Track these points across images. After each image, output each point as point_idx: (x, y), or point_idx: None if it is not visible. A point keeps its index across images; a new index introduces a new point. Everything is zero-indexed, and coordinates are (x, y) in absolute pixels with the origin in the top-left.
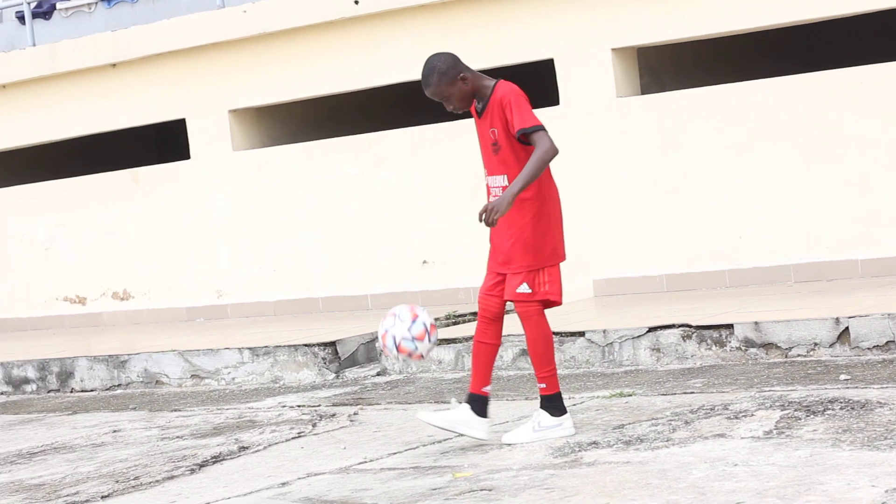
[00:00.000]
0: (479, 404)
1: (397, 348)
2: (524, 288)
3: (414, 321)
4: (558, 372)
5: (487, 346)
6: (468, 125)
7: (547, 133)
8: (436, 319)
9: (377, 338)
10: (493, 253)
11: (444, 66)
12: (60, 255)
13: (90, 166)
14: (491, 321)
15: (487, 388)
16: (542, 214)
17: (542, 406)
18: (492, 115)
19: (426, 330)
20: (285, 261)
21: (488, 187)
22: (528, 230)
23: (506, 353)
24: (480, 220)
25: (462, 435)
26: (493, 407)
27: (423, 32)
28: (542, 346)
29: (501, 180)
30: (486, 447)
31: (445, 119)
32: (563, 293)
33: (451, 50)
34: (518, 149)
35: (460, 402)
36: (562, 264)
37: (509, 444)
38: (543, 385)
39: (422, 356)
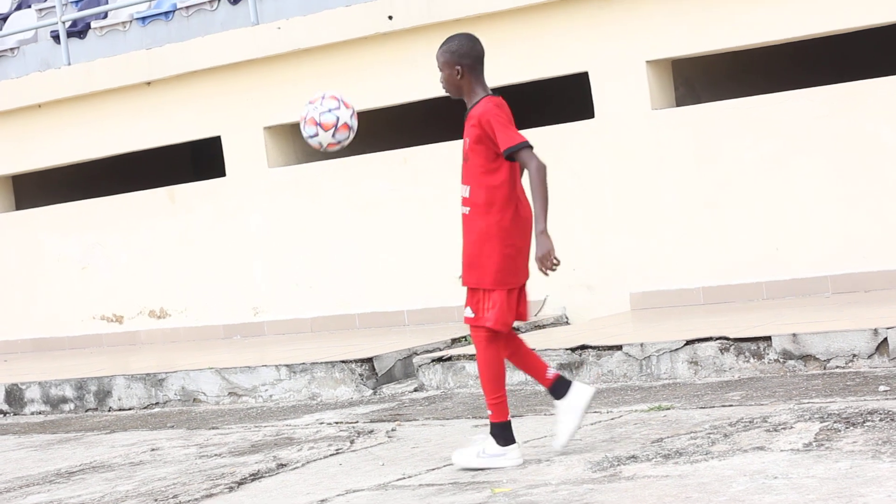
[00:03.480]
0: (560, 388)
1: (305, 119)
2: (468, 311)
3: (332, 110)
4: (598, 386)
5: (513, 356)
6: None
7: (532, 149)
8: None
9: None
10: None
11: (455, 47)
12: (97, 273)
13: (126, 184)
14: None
15: (550, 372)
16: (489, 236)
17: (491, 433)
18: (469, 126)
19: (335, 124)
20: (321, 277)
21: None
22: (475, 248)
23: None
24: (543, 270)
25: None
26: (529, 422)
27: None
28: (486, 372)
29: (465, 191)
30: (525, 462)
31: None
32: (508, 324)
33: (488, 66)
34: (483, 165)
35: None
36: (597, 276)
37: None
38: (490, 412)
39: (320, 145)
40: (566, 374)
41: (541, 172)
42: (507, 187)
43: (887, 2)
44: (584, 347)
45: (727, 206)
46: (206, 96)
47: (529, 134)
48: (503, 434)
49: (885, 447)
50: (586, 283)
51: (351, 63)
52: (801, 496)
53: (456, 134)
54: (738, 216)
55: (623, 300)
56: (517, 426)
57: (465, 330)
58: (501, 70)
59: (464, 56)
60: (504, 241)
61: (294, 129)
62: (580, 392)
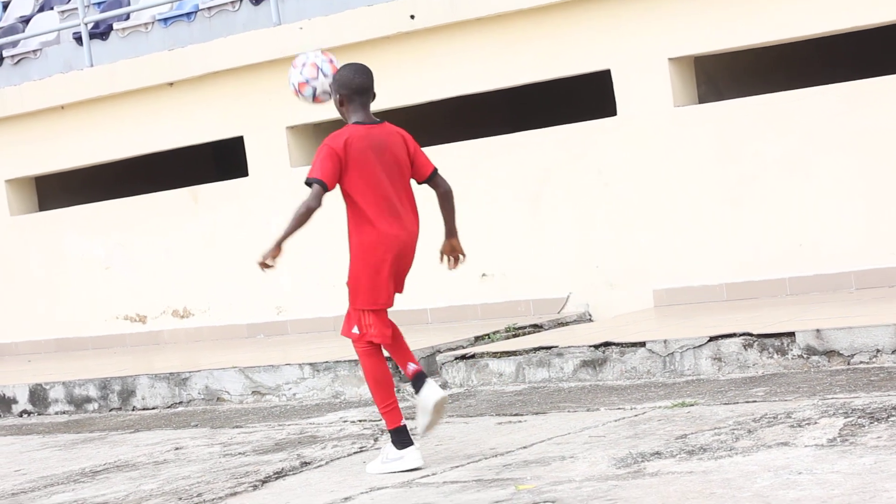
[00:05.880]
0: (417, 383)
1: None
2: (356, 329)
3: (301, 71)
4: (619, 383)
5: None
6: (525, 138)
7: (314, 186)
8: (495, 332)
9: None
10: None
11: (338, 77)
12: (120, 274)
13: (149, 185)
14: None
15: (411, 367)
16: (355, 259)
17: (391, 439)
18: None
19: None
20: (344, 276)
21: None
22: (350, 272)
23: (566, 365)
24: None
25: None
26: (552, 419)
27: (479, 46)
28: (372, 383)
29: None
30: (549, 459)
31: (504, 131)
32: (385, 336)
33: (507, 62)
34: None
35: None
36: (621, 273)
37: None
38: (384, 420)
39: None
40: (585, 372)
41: (302, 206)
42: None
43: None
44: (607, 344)
45: (750, 203)
46: (228, 96)
47: (552, 132)
48: (400, 438)
49: None
50: (609, 281)
51: (373, 62)
52: (825, 491)
53: (477, 132)
54: (761, 212)
55: (646, 297)
56: (541, 423)
57: (488, 327)
58: (523, 68)
59: (342, 86)
60: (369, 264)
61: (317, 128)
62: (429, 393)
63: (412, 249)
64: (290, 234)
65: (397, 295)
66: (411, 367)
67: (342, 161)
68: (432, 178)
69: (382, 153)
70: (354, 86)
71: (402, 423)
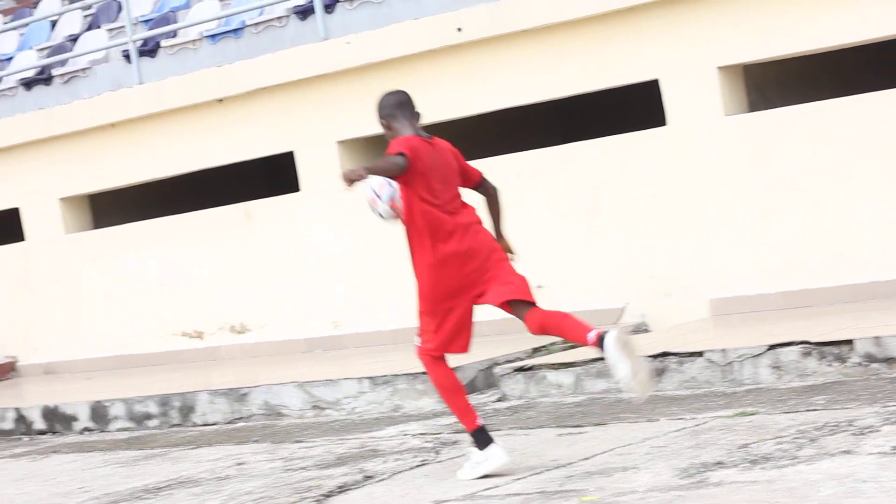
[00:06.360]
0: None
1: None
2: (416, 340)
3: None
4: (679, 393)
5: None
6: (577, 149)
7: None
8: (552, 344)
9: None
10: None
11: (377, 106)
12: (175, 290)
13: (202, 200)
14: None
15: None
16: (415, 265)
17: (473, 442)
18: None
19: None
20: (401, 289)
21: None
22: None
23: None
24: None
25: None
26: (613, 429)
27: (526, 57)
28: (441, 391)
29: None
30: (611, 470)
31: (553, 143)
32: (444, 346)
33: (554, 73)
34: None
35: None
36: (676, 283)
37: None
38: (462, 425)
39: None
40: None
41: (392, 159)
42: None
43: None
44: (665, 354)
45: (804, 210)
46: (277, 112)
47: (602, 143)
48: (479, 439)
49: None
50: (665, 290)
51: (420, 76)
52: (890, 500)
53: (525, 144)
54: (814, 220)
55: (702, 306)
56: (601, 434)
57: (545, 339)
58: (569, 80)
59: (382, 109)
60: (426, 273)
61: (368, 142)
62: (608, 342)
63: (475, 254)
64: (375, 171)
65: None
66: (590, 335)
67: (413, 157)
68: (482, 184)
69: (438, 165)
70: (392, 102)
71: (479, 425)
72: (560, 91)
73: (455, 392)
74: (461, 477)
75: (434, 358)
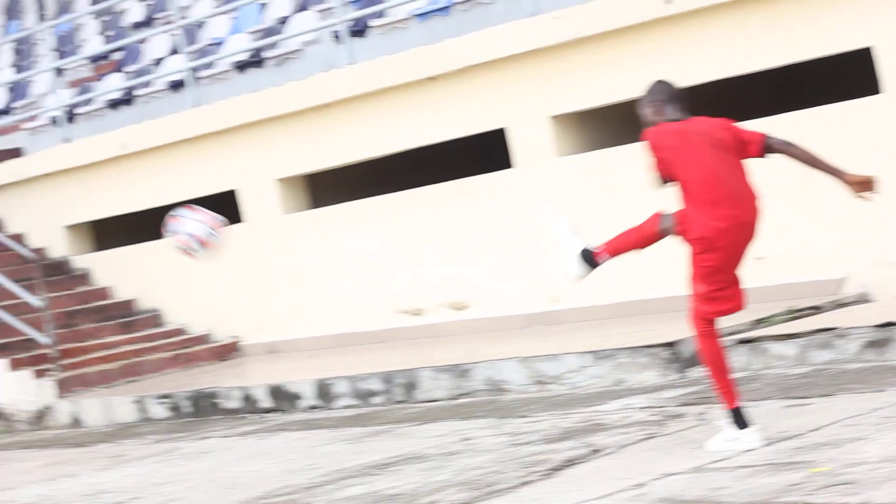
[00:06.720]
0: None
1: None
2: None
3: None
4: None
5: None
6: (790, 118)
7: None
8: (774, 315)
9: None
10: None
11: (646, 92)
12: (394, 268)
13: (419, 177)
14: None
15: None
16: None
17: (730, 419)
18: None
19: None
20: (617, 263)
21: None
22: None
23: (849, 346)
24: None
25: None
26: (840, 401)
27: (738, 29)
28: (708, 365)
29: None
30: (840, 442)
31: (765, 114)
32: (714, 311)
33: (765, 43)
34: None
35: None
36: None
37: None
38: (722, 401)
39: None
40: (870, 353)
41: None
42: None
43: None
44: (890, 324)
45: None
46: (488, 89)
47: (815, 112)
48: (735, 420)
49: None
50: (887, 260)
51: (632, 49)
52: None
53: (737, 115)
54: None
55: None
56: (828, 405)
57: (766, 310)
58: (780, 50)
59: (653, 93)
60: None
61: (581, 116)
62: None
63: (750, 227)
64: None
65: (671, 280)
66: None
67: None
68: (770, 145)
69: (704, 141)
70: (664, 91)
71: (738, 405)
72: (767, 62)
73: (723, 370)
74: (709, 448)
75: (707, 332)
